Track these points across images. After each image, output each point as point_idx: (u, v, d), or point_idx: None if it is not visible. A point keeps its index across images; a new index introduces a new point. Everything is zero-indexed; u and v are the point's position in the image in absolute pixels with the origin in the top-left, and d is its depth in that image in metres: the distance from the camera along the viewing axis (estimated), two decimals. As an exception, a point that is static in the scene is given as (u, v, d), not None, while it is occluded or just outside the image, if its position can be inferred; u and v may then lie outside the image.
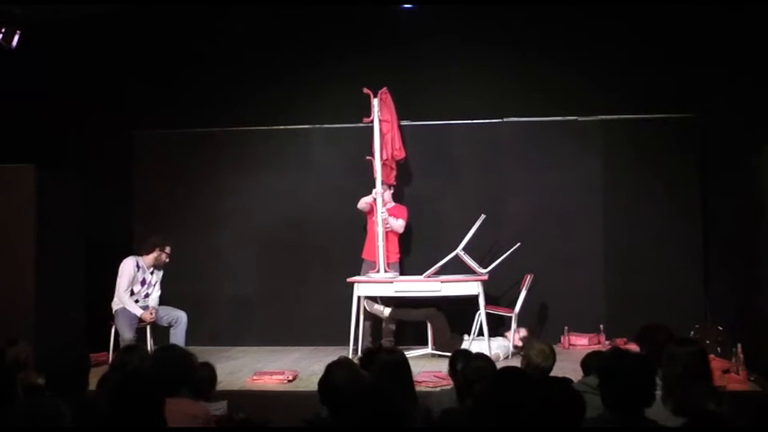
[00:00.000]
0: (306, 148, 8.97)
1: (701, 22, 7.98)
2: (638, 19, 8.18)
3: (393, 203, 8.28)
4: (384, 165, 8.15)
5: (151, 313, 7.39)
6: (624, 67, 8.36)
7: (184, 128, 8.98)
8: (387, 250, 7.99)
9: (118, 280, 7.44)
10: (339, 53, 8.65)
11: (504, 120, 8.76)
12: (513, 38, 8.51)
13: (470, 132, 8.83)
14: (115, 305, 7.45)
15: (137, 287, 7.49)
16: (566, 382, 3.50)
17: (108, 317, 7.81)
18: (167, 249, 7.56)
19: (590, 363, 4.49)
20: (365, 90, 8.06)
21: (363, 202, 8.13)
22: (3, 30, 7.35)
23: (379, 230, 8.01)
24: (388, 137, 8.15)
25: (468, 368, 4.24)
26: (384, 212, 8.03)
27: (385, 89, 8.11)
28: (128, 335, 7.28)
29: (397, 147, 8.23)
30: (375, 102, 8.08)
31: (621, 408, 3.16)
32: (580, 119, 8.67)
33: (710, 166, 8.42)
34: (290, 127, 8.98)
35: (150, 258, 7.52)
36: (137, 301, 7.42)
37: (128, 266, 7.46)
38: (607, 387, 3.22)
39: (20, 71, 8.08)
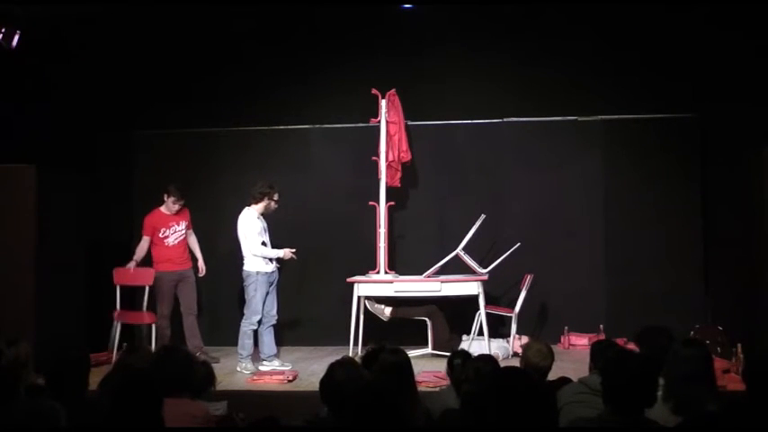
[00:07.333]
0: (306, 148, 8.97)
1: (702, 22, 7.97)
2: (638, 19, 8.18)
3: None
4: (389, 166, 8.16)
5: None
6: (624, 67, 8.36)
7: (184, 128, 8.98)
8: (181, 255, 7.95)
9: (245, 237, 7.30)
10: (339, 53, 8.64)
11: (504, 120, 8.76)
12: (514, 38, 8.51)
13: (470, 132, 8.83)
14: (252, 266, 7.29)
15: (266, 237, 7.43)
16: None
17: (107, 317, 7.84)
18: (276, 196, 7.45)
19: (598, 354, 4.41)
20: (373, 91, 8.07)
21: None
22: (3, 30, 7.35)
23: (381, 231, 8.02)
24: (395, 138, 8.16)
25: (468, 368, 4.24)
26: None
27: (393, 91, 8.13)
28: (260, 305, 7.26)
29: (404, 149, 8.23)
30: (383, 103, 8.10)
31: (623, 408, 3.16)
32: (580, 119, 8.68)
33: (710, 166, 8.43)
34: (289, 127, 8.98)
35: (260, 207, 7.42)
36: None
37: (251, 220, 7.34)
38: (610, 387, 3.22)
39: (20, 71, 8.07)
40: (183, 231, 7.97)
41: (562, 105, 8.59)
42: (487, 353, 7.27)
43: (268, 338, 7.35)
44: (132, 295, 8.11)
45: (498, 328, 8.20)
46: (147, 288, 8.04)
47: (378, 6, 8.32)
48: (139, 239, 8.02)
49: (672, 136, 8.47)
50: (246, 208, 7.42)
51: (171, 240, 7.90)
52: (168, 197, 7.84)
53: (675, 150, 8.48)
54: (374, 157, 8.16)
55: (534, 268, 8.02)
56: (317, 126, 8.97)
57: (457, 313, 8.02)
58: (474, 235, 7.73)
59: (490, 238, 8.24)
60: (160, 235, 7.88)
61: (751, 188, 7.49)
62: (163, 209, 7.92)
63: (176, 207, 7.88)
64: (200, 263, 8.04)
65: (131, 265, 7.88)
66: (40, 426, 3.36)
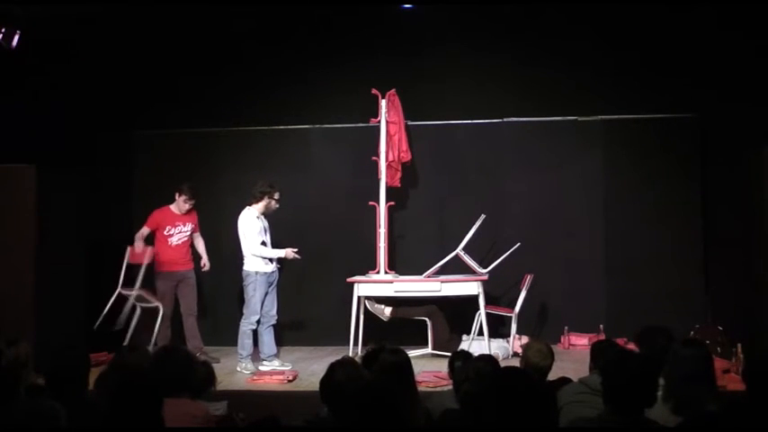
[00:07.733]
0: (306, 148, 8.97)
1: (701, 22, 7.97)
2: (638, 19, 8.18)
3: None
4: (389, 166, 8.17)
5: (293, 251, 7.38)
6: (624, 67, 8.36)
7: (184, 128, 8.99)
8: (183, 257, 7.94)
9: (245, 237, 7.29)
10: (339, 53, 8.65)
11: (504, 120, 8.76)
12: (514, 38, 8.51)
13: (470, 132, 8.83)
14: (251, 266, 7.28)
15: (266, 237, 7.42)
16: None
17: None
18: (276, 196, 7.43)
19: (598, 354, 4.41)
20: (373, 91, 8.07)
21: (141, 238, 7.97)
22: (3, 30, 7.34)
23: (381, 231, 8.02)
24: (396, 138, 8.17)
25: (469, 368, 4.24)
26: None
27: (393, 91, 8.14)
28: (259, 305, 7.24)
29: (404, 149, 8.23)
30: (383, 103, 8.10)
31: (623, 408, 3.17)
32: (580, 119, 8.68)
33: (710, 166, 8.43)
34: (289, 127, 8.98)
35: (261, 207, 7.41)
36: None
37: (251, 219, 7.32)
38: (611, 387, 3.22)
39: (20, 71, 8.07)
40: (189, 233, 7.97)
41: (562, 105, 8.59)
42: (487, 353, 7.30)
43: (268, 338, 7.35)
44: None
45: (498, 328, 8.20)
46: (124, 263, 8.00)
47: (378, 6, 8.32)
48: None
49: (672, 136, 8.47)
50: (247, 207, 7.42)
51: (174, 240, 7.90)
52: (180, 196, 7.85)
53: (675, 150, 8.48)
54: (374, 157, 8.16)
55: (534, 268, 8.02)
56: (317, 126, 8.97)
57: (457, 313, 8.03)
58: (474, 235, 7.73)
59: (490, 238, 8.24)
60: (165, 233, 7.88)
61: (751, 188, 7.49)
62: (173, 207, 7.93)
63: (187, 207, 7.89)
64: (205, 259, 8.04)
65: (138, 245, 7.90)
66: (40, 426, 3.36)
